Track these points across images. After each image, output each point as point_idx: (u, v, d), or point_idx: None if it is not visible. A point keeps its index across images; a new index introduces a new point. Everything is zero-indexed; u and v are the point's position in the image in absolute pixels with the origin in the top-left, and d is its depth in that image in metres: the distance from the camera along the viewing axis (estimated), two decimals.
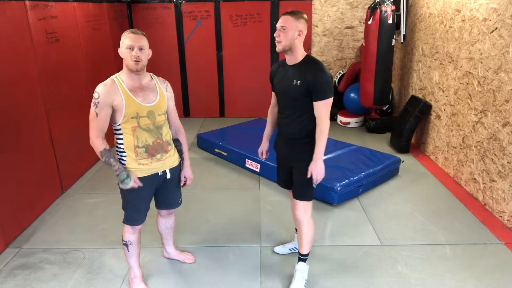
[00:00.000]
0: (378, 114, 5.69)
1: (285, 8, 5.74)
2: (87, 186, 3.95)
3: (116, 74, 2.14)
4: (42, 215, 3.38)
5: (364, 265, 2.68)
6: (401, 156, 4.39)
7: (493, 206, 3.30)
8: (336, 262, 2.73)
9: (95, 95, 2.05)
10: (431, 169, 4.21)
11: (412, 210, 3.38)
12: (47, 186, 3.53)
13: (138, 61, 2.05)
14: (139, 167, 2.17)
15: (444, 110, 4.15)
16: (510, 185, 3.07)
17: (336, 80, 5.99)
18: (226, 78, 6.18)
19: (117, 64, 4.92)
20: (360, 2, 5.80)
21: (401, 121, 4.69)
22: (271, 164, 3.74)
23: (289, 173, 2.41)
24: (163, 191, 2.36)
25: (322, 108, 2.14)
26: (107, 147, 2.10)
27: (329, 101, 2.15)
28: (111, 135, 2.18)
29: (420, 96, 4.76)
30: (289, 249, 2.82)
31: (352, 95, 5.61)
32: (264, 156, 2.62)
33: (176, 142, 2.39)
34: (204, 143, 4.84)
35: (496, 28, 3.19)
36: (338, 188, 3.38)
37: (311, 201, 2.35)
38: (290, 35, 2.10)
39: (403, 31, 5.11)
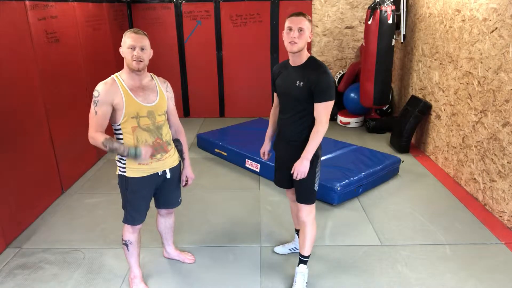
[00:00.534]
0: (378, 114, 5.69)
1: (285, 8, 5.75)
2: (87, 186, 3.95)
3: (116, 74, 2.14)
4: (42, 215, 3.38)
5: (364, 265, 2.68)
6: (401, 156, 4.39)
7: (493, 206, 3.30)
8: (336, 262, 2.73)
9: (95, 93, 2.05)
10: (431, 169, 4.21)
11: (412, 210, 3.38)
12: (47, 186, 3.53)
13: (140, 61, 2.05)
14: (139, 166, 2.17)
15: (444, 110, 4.15)
16: (510, 185, 3.07)
17: (336, 80, 5.99)
18: (226, 78, 6.18)
19: (117, 64, 4.92)
20: (360, 2, 5.80)
21: (401, 121, 4.69)
22: (271, 164, 3.72)
23: (288, 174, 2.41)
24: (162, 190, 2.36)
25: (322, 110, 2.14)
26: (107, 136, 2.05)
27: (330, 103, 2.15)
28: (110, 135, 2.17)
29: (420, 96, 4.76)
30: (289, 249, 2.82)
31: (352, 95, 5.61)
32: (266, 157, 2.62)
33: (177, 142, 2.39)
34: (204, 143, 4.84)
35: (496, 28, 3.19)
36: (338, 188, 3.38)
37: (314, 203, 2.36)
38: (306, 36, 2.11)
39: (403, 31, 5.12)
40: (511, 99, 3.02)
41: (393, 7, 4.75)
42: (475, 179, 3.58)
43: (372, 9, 4.79)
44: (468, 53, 3.63)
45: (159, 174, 2.25)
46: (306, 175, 2.19)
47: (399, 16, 5.04)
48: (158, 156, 2.21)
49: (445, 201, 3.56)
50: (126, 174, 2.18)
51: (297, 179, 2.21)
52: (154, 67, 4.49)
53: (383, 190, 3.76)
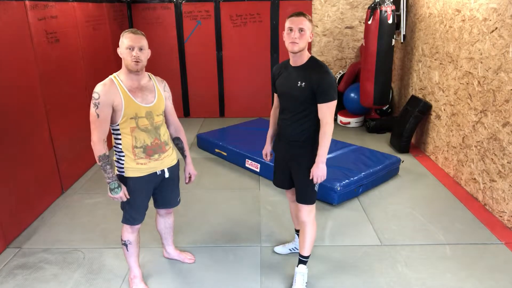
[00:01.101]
0: (378, 114, 5.69)
1: (285, 8, 5.75)
2: (87, 186, 3.95)
3: (114, 74, 2.13)
4: (42, 215, 3.38)
5: (364, 265, 2.68)
6: (401, 156, 4.39)
7: (493, 206, 3.30)
8: (336, 262, 2.73)
9: (95, 95, 2.04)
10: (431, 169, 4.21)
11: (412, 210, 3.38)
12: (47, 186, 3.53)
13: (138, 62, 2.05)
14: (138, 166, 2.17)
15: (444, 110, 4.15)
16: (510, 185, 3.07)
17: (336, 80, 5.99)
18: (226, 78, 6.18)
19: (117, 64, 4.89)
20: (360, 2, 5.80)
21: (401, 121, 4.69)
22: (271, 164, 3.72)
23: (288, 174, 2.41)
24: (161, 190, 2.36)
25: (326, 111, 2.14)
26: (107, 152, 2.11)
27: (333, 103, 2.15)
28: (110, 135, 2.17)
29: (420, 96, 4.76)
30: (289, 249, 2.82)
31: (352, 95, 5.61)
32: (268, 158, 2.62)
33: (177, 140, 2.40)
34: (204, 143, 4.84)
35: (496, 28, 3.18)
36: (338, 188, 3.38)
37: (314, 203, 2.36)
38: (306, 36, 2.11)
39: (403, 31, 5.11)
40: (511, 99, 3.02)
41: (393, 7, 4.75)
42: (475, 179, 3.58)
43: (372, 9, 4.79)
44: (468, 53, 3.63)
45: (158, 173, 2.25)
46: (325, 177, 2.20)
47: (399, 16, 5.04)
48: (156, 156, 2.21)
49: (445, 201, 3.56)
50: (125, 174, 2.18)
51: (318, 183, 2.22)
52: (154, 67, 4.50)
53: (383, 190, 3.76)
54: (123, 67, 2.10)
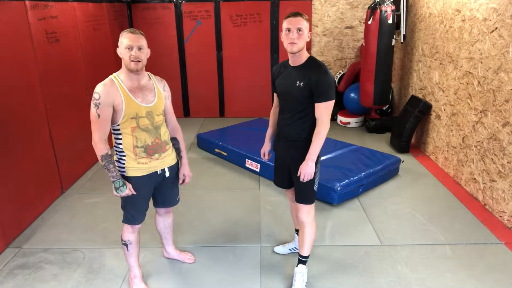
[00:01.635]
0: (378, 114, 5.69)
1: (285, 8, 5.75)
2: (87, 186, 3.95)
3: (114, 74, 2.13)
4: (42, 215, 3.38)
5: (364, 265, 2.68)
6: (401, 156, 4.39)
7: (493, 206, 3.30)
8: (336, 262, 2.73)
9: (96, 95, 2.04)
10: (431, 169, 4.21)
11: (412, 210, 3.38)
12: (47, 186, 3.53)
13: (138, 61, 2.05)
14: (139, 166, 2.17)
15: (444, 110, 4.15)
16: (510, 185, 3.07)
17: (336, 80, 5.99)
18: (226, 78, 6.18)
19: (117, 64, 4.89)
20: (360, 2, 5.80)
21: (401, 121, 4.69)
22: (271, 164, 3.72)
23: (288, 174, 2.41)
24: (161, 189, 2.36)
25: (323, 110, 2.14)
26: (109, 151, 2.11)
27: (331, 103, 2.15)
28: (110, 135, 2.17)
29: (420, 96, 4.76)
30: (289, 249, 2.82)
31: (352, 95, 5.61)
32: (266, 157, 2.62)
33: (174, 140, 2.40)
34: (204, 143, 4.84)
35: (496, 28, 3.18)
36: (338, 188, 3.38)
37: (314, 203, 2.36)
38: (304, 36, 2.11)
39: (403, 31, 5.11)
40: (511, 99, 3.02)
41: (393, 7, 4.75)
42: (475, 179, 3.58)
43: (372, 9, 4.79)
44: (468, 53, 3.63)
45: (158, 172, 2.25)
46: (312, 176, 2.20)
47: (399, 16, 5.04)
48: (157, 155, 2.21)
49: (445, 201, 3.56)
50: (126, 174, 2.18)
51: (304, 181, 2.21)
52: (154, 67, 4.49)
53: (383, 190, 3.76)
54: (123, 67, 2.10)
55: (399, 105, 5.57)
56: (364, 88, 5.09)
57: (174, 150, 2.37)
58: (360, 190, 3.61)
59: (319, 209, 3.37)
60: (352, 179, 3.50)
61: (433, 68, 4.39)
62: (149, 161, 2.19)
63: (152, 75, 2.25)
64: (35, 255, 2.85)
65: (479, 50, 3.44)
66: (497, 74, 3.19)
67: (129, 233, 2.33)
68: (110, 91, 2.04)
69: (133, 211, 2.27)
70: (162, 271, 2.67)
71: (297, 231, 2.76)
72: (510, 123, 3.04)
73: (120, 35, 2.07)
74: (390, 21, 4.74)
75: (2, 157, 2.89)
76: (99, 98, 2.03)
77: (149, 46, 2.12)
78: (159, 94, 2.21)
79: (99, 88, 2.05)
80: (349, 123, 5.74)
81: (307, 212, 2.33)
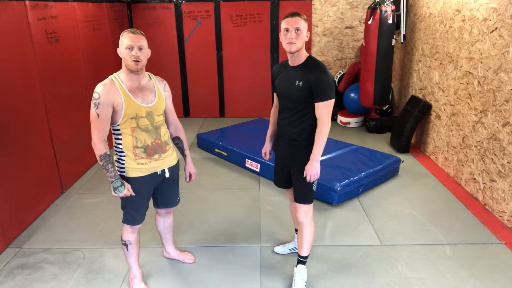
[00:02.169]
0: (378, 114, 5.69)
1: (285, 8, 5.75)
2: (87, 186, 3.95)
3: (114, 74, 2.13)
4: (42, 215, 3.38)
5: (364, 265, 2.68)
6: (401, 156, 4.39)
7: (493, 206, 3.30)
8: (336, 262, 2.73)
9: (95, 95, 2.04)
10: (431, 169, 4.21)
11: (412, 210, 3.38)
12: (47, 186, 3.53)
13: (138, 61, 2.05)
14: (139, 166, 2.17)
15: (444, 110, 4.15)
16: (510, 185, 3.07)
17: (336, 80, 5.99)
18: (226, 78, 6.18)
19: (117, 64, 4.89)
20: (360, 2, 5.80)
21: (401, 121, 4.69)
22: (271, 164, 3.73)
23: (288, 174, 2.41)
24: (161, 190, 2.36)
25: (323, 110, 2.15)
26: (108, 151, 2.11)
27: (331, 102, 2.15)
28: (110, 135, 2.17)
29: (420, 96, 4.76)
30: (289, 249, 2.82)
31: (352, 95, 5.61)
32: (267, 157, 2.62)
33: (177, 139, 2.40)
34: (204, 143, 4.84)
35: (496, 28, 3.18)
36: (338, 188, 3.38)
37: (312, 203, 2.36)
38: (303, 35, 2.12)
39: (403, 31, 5.11)
40: (511, 99, 3.02)
41: (393, 7, 4.75)
42: (475, 179, 3.58)
43: (372, 9, 4.79)
44: (468, 53, 3.63)
45: (158, 173, 2.25)
46: (318, 176, 2.21)
47: (399, 16, 5.04)
48: (157, 156, 2.21)
49: (445, 201, 3.56)
50: (126, 174, 2.18)
51: (311, 181, 2.22)
52: (154, 67, 4.49)
53: (383, 190, 3.76)
54: (123, 67, 2.10)
55: (399, 105, 5.57)
56: (364, 88, 5.09)
57: (174, 150, 2.37)
58: (360, 190, 3.61)
59: (319, 209, 3.37)
60: (352, 179, 3.50)
61: (433, 68, 4.39)
62: (149, 162, 2.19)
63: (152, 76, 2.25)
64: (35, 255, 2.85)
65: (479, 50, 3.44)
66: (497, 74, 3.19)
67: (129, 233, 2.33)
68: (110, 91, 2.05)
69: (133, 212, 2.27)
70: (162, 271, 2.67)
71: (297, 231, 2.76)
72: (510, 123, 3.04)
73: (120, 35, 2.07)
74: (390, 21, 4.74)
75: (2, 157, 2.89)
76: (99, 98, 2.03)
77: (149, 46, 2.12)
78: (159, 94, 2.21)
79: (99, 88, 2.05)
80: (349, 123, 5.74)
81: (305, 212, 2.33)
